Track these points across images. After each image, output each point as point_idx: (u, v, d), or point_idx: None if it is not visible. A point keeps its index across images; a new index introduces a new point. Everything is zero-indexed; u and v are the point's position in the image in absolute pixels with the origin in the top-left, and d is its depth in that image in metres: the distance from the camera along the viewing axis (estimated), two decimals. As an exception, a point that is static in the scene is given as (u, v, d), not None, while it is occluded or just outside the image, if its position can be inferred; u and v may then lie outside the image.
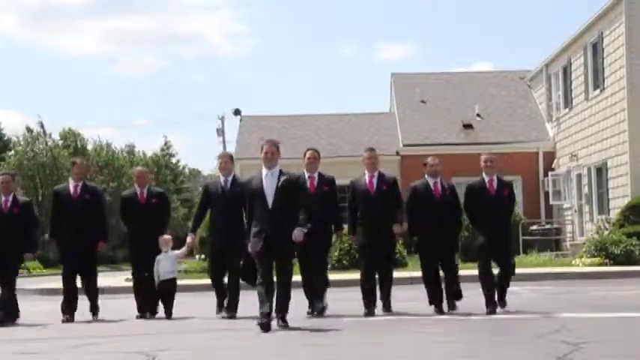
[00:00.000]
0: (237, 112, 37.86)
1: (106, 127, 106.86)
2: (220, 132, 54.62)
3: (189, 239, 11.37)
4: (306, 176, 10.99)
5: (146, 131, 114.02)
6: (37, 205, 42.58)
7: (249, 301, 10.44)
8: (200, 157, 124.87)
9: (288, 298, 9.31)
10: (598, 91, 25.77)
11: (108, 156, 54.62)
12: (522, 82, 33.77)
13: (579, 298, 13.00)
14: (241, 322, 10.30)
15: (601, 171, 25.78)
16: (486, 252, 10.69)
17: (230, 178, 11.13)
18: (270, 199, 9.35)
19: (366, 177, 11.04)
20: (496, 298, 10.65)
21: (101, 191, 12.55)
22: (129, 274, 13.41)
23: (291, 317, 9.33)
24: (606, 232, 22.69)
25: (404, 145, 30.46)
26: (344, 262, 21.03)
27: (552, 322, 9.18)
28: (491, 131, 30.98)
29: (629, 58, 23.52)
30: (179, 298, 11.66)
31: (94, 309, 11.62)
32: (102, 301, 11.94)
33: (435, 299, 10.84)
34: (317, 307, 10.73)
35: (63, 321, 11.13)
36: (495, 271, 10.84)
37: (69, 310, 11.28)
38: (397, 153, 30.22)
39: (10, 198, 11.47)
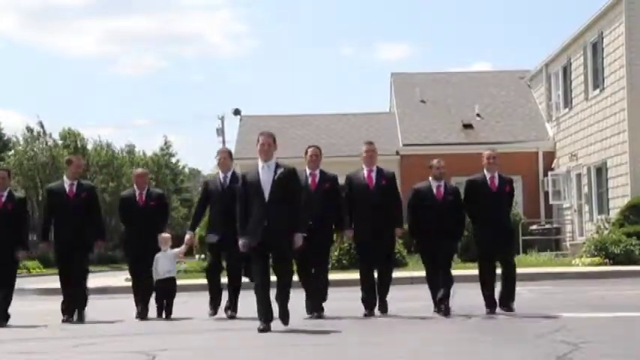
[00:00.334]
0: (237, 112, 37.90)
1: (106, 127, 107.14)
2: (220, 132, 54.63)
3: (187, 237, 11.25)
4: (308, 173, 10.79)
5: (146, 131, 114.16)
6: (38, 205, 42.58)
7: (249, 301, 10.43)
8: (200, 157, 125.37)
9: (288, 297, 9.26)
10: (598, 90, 25.76)
11: (108, 156, 54.62)
12: (522, 82, 33.76)
13: (579, 297, 13.00)
14: (241, 322, 10.30)
15: (601, 171, 25.77)
16: (487, 251, 10.61)
17: (229, 175, 11.00)
18: (266, 193, 9.18)
19: (365, 171, 10.86)
20: (498, 302, 10.56)
21: (96, 189, 12.37)
22: (128, 274, 13.38)
23: (291, 317, 9.31)
24: (606, 232, 22.70)
25: (404, 145, 30.47)
26: (344, 262, 21.02)
27: (552, 322, 9.18)
28: (491, 131, 30.98)
29: (628, 57, 23.52)
30: (179, 298, 11.64)
31: (81, 309, 11.26)
32: (102, 301, 11.94)
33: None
34: (317, 307, 10.61)
35: (63, 321, 11.10)
36: (497, 271, 10.77)
37: (69, 310, 11.25)
38: (397, 153, 30.23)
39: (5, 194, 11.37)
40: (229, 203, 10.48)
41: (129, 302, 12.07)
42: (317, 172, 10.85)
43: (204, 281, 11.41)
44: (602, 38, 25.26)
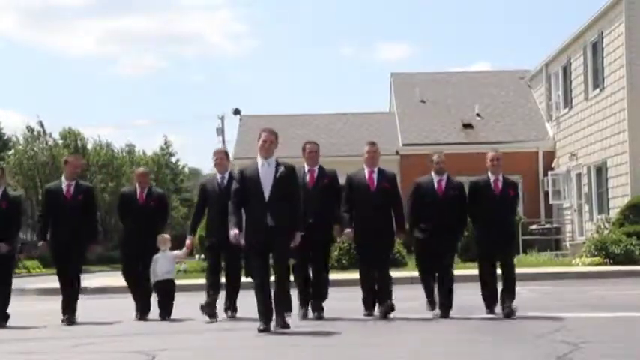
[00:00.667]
0: (236, 111, 37.88)
1: (106, 127, 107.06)
2: (220, 132, 54.59)
3: (188, 241, 11.16)
4: (306, 169, 10.66)
5: (146, 131, 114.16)
6: (38, 205, 42.57)
7: (249, 301, 10.42)
8: (200, 156, 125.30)
9: (288, 297, 9.25)
10: (598, 90, 25.77)
11: (108, 156, 54.62)
12: (522, 82, 33.78)
13: (579, 297, 13.00)
14: (241, 322, 10.29)
15: (600, 170, 25.78)
16: (487, 251, 10.55)
17: (226, 175, 10.92)
18: (267, 191, 9.06)
19: (366, 172, 10.66)
20: (499, 303, 10.52)
21: (94, 190, 12.31)
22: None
23: (290, 317, 9.31)
24: (606, 232, 22.71)
25: (403, 145, 30.48)
26: (344, 261, 21.01)
27: (552, 322, 9.18)
28: (491, 131, 30.99)
29: (628, 57, 23.53)
30: (179, 299, 11.62)
31: (72, 308, 11.19)
32: (102, 301, 11.93)
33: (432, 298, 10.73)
34: (317, 307, 10.57)
35: (63, 321, 11.10)
36: (497, 271, 10.74)
37: (69, 309, 11.24)
38: (397, 153, 30.25)
39: (0, 192, 11.32)
40: (227, 204, 10.42)
41: (129, 302, 12.06)
42: (316, 168, 10.72)
43: (204, 281, 11.36)
44: (602, 38, 25.26)
